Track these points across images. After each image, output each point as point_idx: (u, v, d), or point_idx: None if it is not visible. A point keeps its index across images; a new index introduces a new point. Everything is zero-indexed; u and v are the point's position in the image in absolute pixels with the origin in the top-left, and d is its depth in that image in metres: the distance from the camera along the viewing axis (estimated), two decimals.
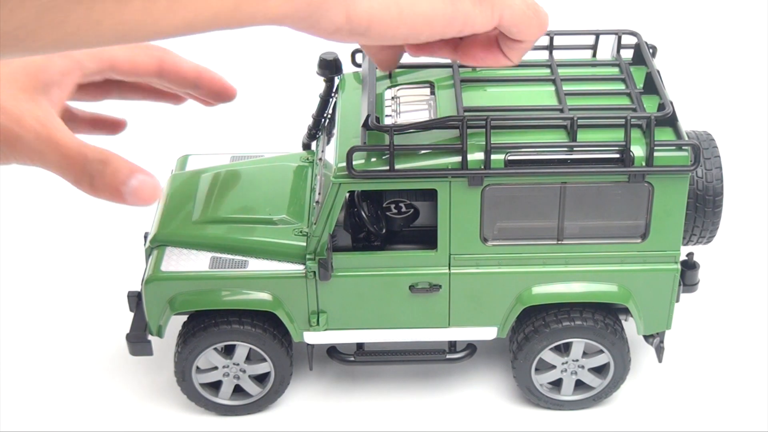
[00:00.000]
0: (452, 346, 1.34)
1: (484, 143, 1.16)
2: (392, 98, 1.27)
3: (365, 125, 1.20)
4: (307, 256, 1.24)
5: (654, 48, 1.34)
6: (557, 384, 1.35)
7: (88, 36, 0.80)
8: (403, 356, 1.34)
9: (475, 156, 1.17)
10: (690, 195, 1.26)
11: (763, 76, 1.99)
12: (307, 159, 1.39)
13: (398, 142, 1.17)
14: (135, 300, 1.35)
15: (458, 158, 1.17)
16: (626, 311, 1.31)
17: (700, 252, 1.42)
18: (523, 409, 1.36)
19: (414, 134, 1.20)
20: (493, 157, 1.16)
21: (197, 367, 1.32)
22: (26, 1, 0.69)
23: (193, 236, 1.27)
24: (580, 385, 1.35)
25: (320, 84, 1.37)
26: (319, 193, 1.27)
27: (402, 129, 1.19)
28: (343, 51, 1.30)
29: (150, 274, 1.27)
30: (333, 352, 1.34)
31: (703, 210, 1.28)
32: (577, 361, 1.32)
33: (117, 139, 1.17)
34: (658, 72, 1.27)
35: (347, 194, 1.21)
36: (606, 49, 1.36)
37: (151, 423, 1.36)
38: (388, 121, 1.24)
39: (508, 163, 1.17)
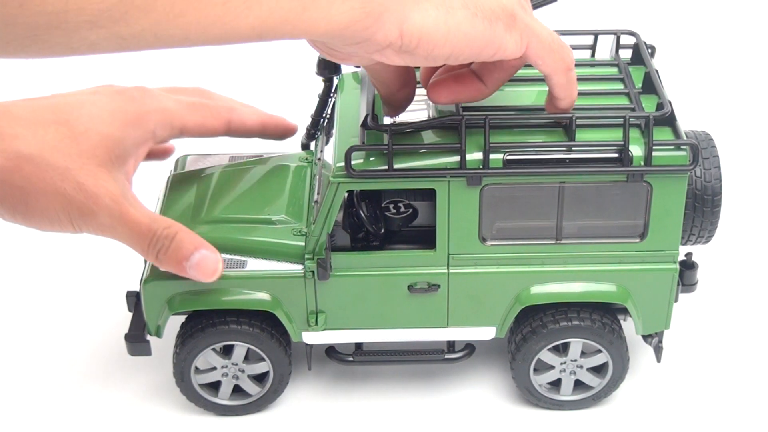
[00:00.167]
0: (451, 346, 1.34)
1: (482, 143, 1.16)
2: None
3: (364, 125, 1.20)
4: (306, 256, 1.24)
5: (653, 48, 1.34)
6: (556, 384, 1.35)
7: (171, 27, 0.82)
8: (401, 356, 1.34)
9: (474, 155, 1.17)
10: (688, 195, 1.26)
11: (761, 76, 1.99)
12: (306, 159, 1.38)
13: (397, 142, 1.17)
14: (134, 300, 1.35)
15: (457, 158, 1.17)
16: (625, 311, 1.31)
17: (698, 252, 1.42)
18: (522, 409, 1.36)
19: (412, 134, 1.20)
20: (491, 156, 1.16)
21: (196, 368, 1.32)
22: None
23: None
24: (579, 385, 1.35)
25: (319, 84, 1.37)
26: (318, 193, 1.27)
27: (401, 128, 1.19)
28: None
29: (148, 274, 1.27)
30: (332, 352, 1.34)
31: (702, 210, 1.28)
32: (575, 361, 1.32)
33: None
34: (657, 72, 1.27)
35: (346, 194, 1.21)
36: (605, 49, 1.36)
37: (150, 423, 1.36)
38: (386, 120, 1.24)
39: (507, 163, 1.17)
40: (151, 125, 1.22)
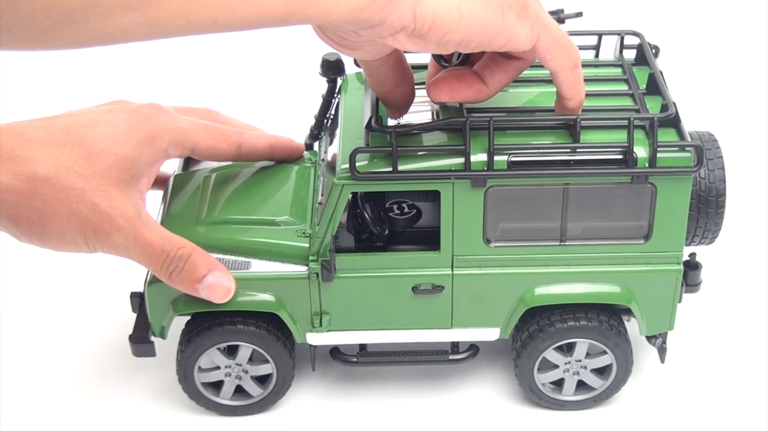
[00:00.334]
0: (455, 347, 1.34)
1: (487, 144, 1.16)
2: None
3: (368, 127, 1.20)
4: (310, 258, 1.24)
5: (657, 48, 1.34)
6: (559, 384, 1.35)
7: (200, 9, 0.83)
8: (405, 357, 1.34)
9: (478, 157, 1.17)
10: (693, 195, 1.26)
11: (765, 76, 1.99)
12: (310, 159, 1.38)
13: (401, 144, 1.17)
14: (138, 301, 1.35)
15: (461, 159, 1.17)
16: (628, 312, 1.31)
17: (702, 252, 1.42)
18: (525, 409, 1.36)
19: (416, 135, 1.20)
20: (496, 158, 1.16)
21: (199, 367, 1.32)
22: None
23: (197, 237, 1.26)
24: (581, 385, 1.35)
25: (323, 84, 1.37)
26: (322, 194, 1.27)
27: (405, 130, 1.19)
28: None
29: (153, 276, 1.27)
30: (336, 353, 1.34)
31: (706, 210, 1.28)
32: (579, 361, 1.32)
33: None
34: (661, 73, 1.26)
35: (350, 195, 1.21)
36: (609, 50, 1.36)
37: (152, 423, 1.36)
38: (390, 121, 1.23)
39: (511, 165, 1.17)
40: (164, 144, 1.23)
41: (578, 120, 1.16)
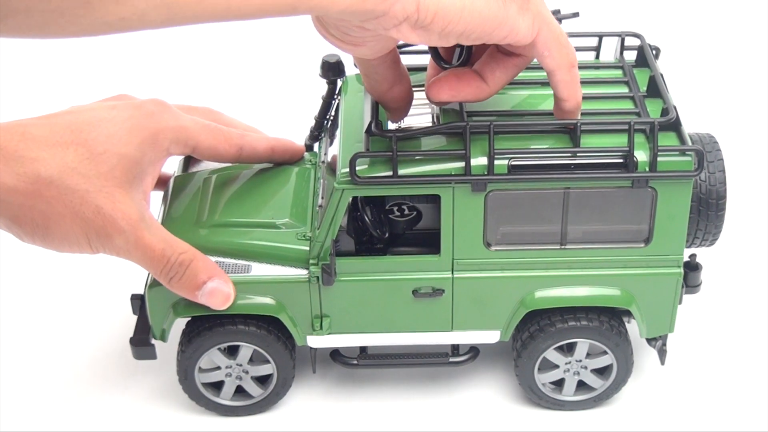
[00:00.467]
0: (455, 349, 1.34)
1: (487, 149, 1.16)
2: None
3: (368, 131, 1.20)
4: (311, 261, 1.24)
5: (657, 49, 1.34)
6: (559, 384, 1.35)
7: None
8: (406, 360, 1.34)
9: (479, 161, 1.17)
10: (693, 198, 1.26)
11: (765, 77, 1.99)
12: (310, 161, 1.38)
13: (401, 148, 1.17)
14: (138, 303, 1.35)
15: (461, 164, 1.17)
16: (629, 314, 1.31)
17: (702, 253, 1.42)
18: (525, 409, 1.36)
19: (417, 140, 1.20)
20: (496, 162, 1.16)
21: (200, 367, 1.32)
22: None
23: (197, 240, 1.27)
24: (581, 385, 1.35)
25: (323, 86, 1.37)
26: (322, 197, 1.27)
27: (405, 135, 1.18)
28: (346, 54, 1.30)
29: (153, 279, 1.27)
30: (336, 355, 1.34)
31: (707, 213, 1.28)
32: (580, 361, 1.32)
33: None
34: (662, 75, 1.26)
35: (350, 199, 1.21)
36: (609, 51, 1.35)
37: (152, 423, 1.36)
38: (391, 125, 1.23)
39: (512, 169, 1.17)
40: (166, 143, 1.23)
41: (579, 124, 1.16)
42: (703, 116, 1.79)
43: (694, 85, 1.92)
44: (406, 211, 1.30)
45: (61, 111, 1.22)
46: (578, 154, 1.17)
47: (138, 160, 1.19)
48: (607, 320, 1.29)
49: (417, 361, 1.34)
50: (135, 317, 1.37)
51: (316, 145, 1.42)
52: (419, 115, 1.25)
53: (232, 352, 1.33)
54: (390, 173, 1.17)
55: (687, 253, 1.30)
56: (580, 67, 1.30)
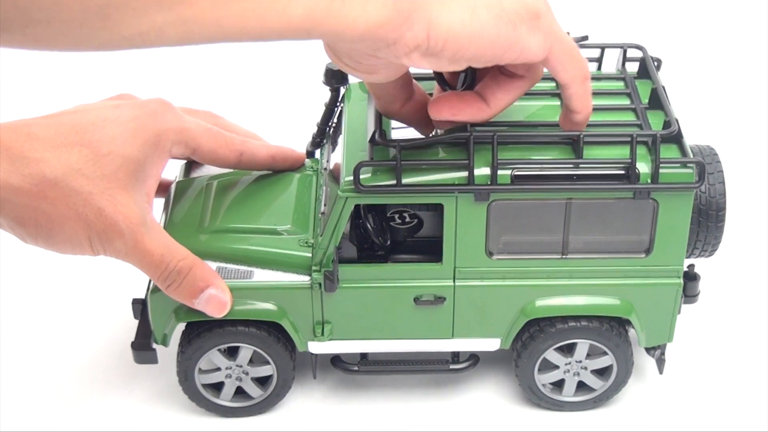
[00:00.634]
0: (455, 356, 1.35)
1: (490, 159, 1.17)
2: None
3: (372, 140, 1.20)
4: (313, 268, 1.25)
5: (659, 61, 1.35)
6: (559, 385, 1.36)
7: (230, 14, 0.86)
8: (406, 366, 1.35)
9: (482, 171, 1.17)
10: (693, 209, 1.26)
11: (766, 90, 2.00)
12: (311, 167, 1.39)
13: (405, 157, 1.17)
14: (140, 308, 1.36)
15: (464, 173, 1.17)
16: (628, 323, 1.32)
17: (700, 263, 1.43)
18: (526, 411, 1.37)
19: (420, 149, 1.20)
20: (499, 172, 1.17)
21: (200, 368, 1.33)
22: None
23: (199, 246, 1.27)
24: (581, 386, 1.36)
25: (325, 93, 1.38)
26: (325, 204, 1.28)
27: (409, 144, 1.19)
28: None
29: (155, 284, 1.27)
30: (337, 361, 1.35)
31: (706, 224, 1.29)
32: (580, 362, 1.33)
33: None
34: (664, 88, 1.27)
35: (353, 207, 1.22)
36: (611, 63, 1.36)
37: (151, 425, 1.36)
38: (394, 134, 1.24)
39: (515, 179, 1.17)
40: (168, 144, 1.23)
41: (581, 135, 1.17)
42: (702, 128, 1.80)
43: (695, 96, 1.93)
44: (407, 219, 1.30)
45: (65, 110, 1.22)
46: (581, 166, 1.18)
47: (141, 162, 1.19)
48: (607, 321, 1.30)
49: (417, 368, 1.35)
50: (136, 321, 1.37)
51: (317, 152, 1.43)
52: None
53: (231, 353, 1.33)
54: (394, 182, 1.18)
55: (685, 263, 1.31)
56: None
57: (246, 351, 1.32)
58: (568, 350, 1.33)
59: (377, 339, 1.31)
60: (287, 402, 1.38)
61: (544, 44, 1.05)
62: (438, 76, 1.17)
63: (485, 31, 1.00)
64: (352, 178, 1.18)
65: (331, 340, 1.30)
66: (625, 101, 1.27)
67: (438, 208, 1.24)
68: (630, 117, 1.24)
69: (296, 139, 1.47)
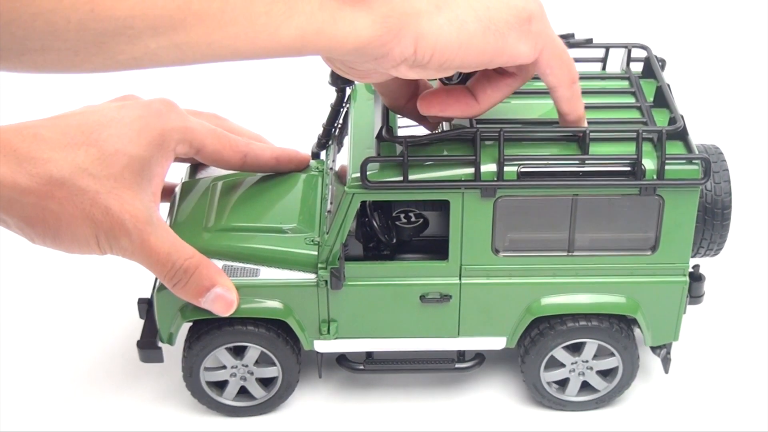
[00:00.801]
0: (461, 355, 1.35)
1: (497, 155, 1.17)
2: None
3: (379, 136, 1.21)
4: (319, 266, 1.25)
5: (663, 61, 1.35)
6: (563, 384, 1.36)
7: (223, 37, 0.87)
8: (412, 365, 1.35)
9: (488, 168, 1.18)
10: (699, 208, 1.27)
11: None
12: (317, 168, 1.39)
13: (412, 153, 1.18)
14: (145, 307, 1.36)
15: (471, 170, 1.18)
16: (634, 322, 1.32)
17: (705, 264, 1.43)
18: (531, 410, 1.37)
19: (427, 146, 1.21)
20: (506, 168, 1.17)
21: (205, 366, 1.33)
22: None
23: (205, 244, 1.27)
24: (585, 386, 1.36)
25: (331, 93, 1.38)
26: (331, 203, 1.28)
27: (416, 140, 1.19)
28: None
29: (161, 282, 1.27)
30: (342, 360, 1.35)
31: (712, 223, 1.29)
32: (586, 362, 1.33)
33: None
34: (669, 86, 1.28)
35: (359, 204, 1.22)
36: (616, 63, 1.37)
37: (154, 424, 1.36)
38: (401, 131, 1.24)
39: (521, 175, 1.18)
40: (172, 143, 1.24)
41: (587, 132, 1.17)
42: (707, 128, 1.81)
43: (699, 96, 1.94)
44: (413, 219, 1.31)
45: (70, 112, 1.23)
46: (587, 162, 1.18)
47: (147, 161, 1.20)
48: (616, 322, 1.30)
49: (423, 367, 1.35)
50: (141, 321, 1.37)
51: (323, 154, 1.43)
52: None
53: (238, 352, 1.33)
54: (400, 178, 1.18)
55: (691, 263, 1.31)
56: (588, 78, 1.33)
57: (254, 351, 1.32)
58: (576, 349, 1.33)
59: (383, 337, 1.31)
60: (293, 401, 1.38)
61: (534, 48, 1.06)
62: None
63: (472, 42, 1.02)
64: (359, 174, 1.18)
65: (337, 338, 1.30)
66: (630, 99, 1.28)
67: (443, 208, 1.24)
68: (635, 114, 1.25)
69: (302, 141, 1.48)
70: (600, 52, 1.36)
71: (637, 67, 1.35)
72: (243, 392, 1.36)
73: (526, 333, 1.31)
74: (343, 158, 1.28)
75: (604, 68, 1.37)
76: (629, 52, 1.34)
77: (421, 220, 1.31)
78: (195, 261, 1.21)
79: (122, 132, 1.19)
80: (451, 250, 1.24)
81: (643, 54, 1.34)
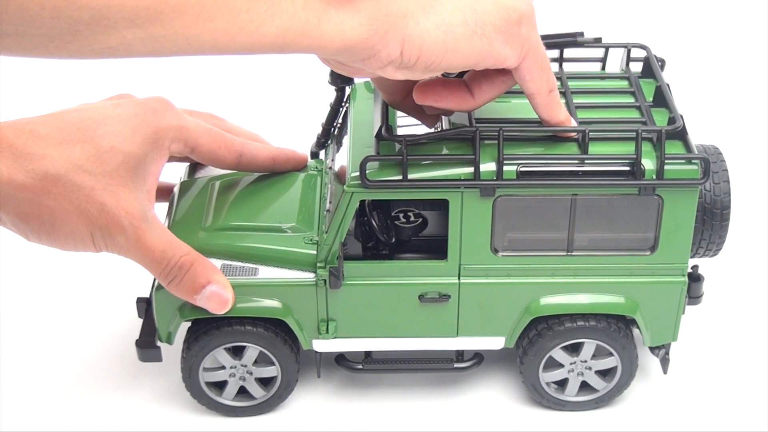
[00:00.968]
0: (459, 355, 1.35)
1: (496, 154, 1.17)
2: None
3: (378, 135, 1.21)
4: (318, 265, 1.25)
5: (662, 61, 1.35)
6: (562, 384, 1.36)
7: (201, 32, 0.87)
8: (410, 365, 1.35)
9: (488, 167, 1.18)
10: (698, 208, 1.27)
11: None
12: (316, 167, 1.39)
13: (411, 152, 1.18)
14: (144, 306, 1.35)
15: (470, 169, 1.18)
16: (633, 322, 1.32)
17: (703, 264, 1.44)
18: (530, 410, 1.37)
19: (426, 145, 1.21)
20: (505, 168, 1.17)
21: (204, 366, 1.32)
22: None
23: (204, 243, 1.27)
24: (584, 386, 1.36)
25: (331, 93, 1.38)
26: (330, 202, 1.28)
27: (415, 139, 1.19)
28: None
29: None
30: (341, 359, 1.35)
31: (711, 223, 1.29)
32: (585, 362, 1.33)
33: None
34: (668, 86, 1.28)
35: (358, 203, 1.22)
36: (615, 62, 1.37)
37: (155, 424, 1.36)
38: (400, 130, 1.24)
39: (521, 175, 1.18)
40: (167, 141, 1.24)
41: (587, 132, 1.17)
42: (706, 128, 1.81)
43: (698, 97, 1.94)
44: (412, 218, 1.31)
45: (66, 109, 1.23)
46: (586, 161, 1.18)
47: (141, 159, 1.20)
48: (615, 322, 1.30)
49: (421, 367, 1.35)
50: (140, 320, 1.37)
51: (322, 153, 1.43)
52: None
53: (237, 352, 1.33)
54: (400, 177, 1.18)
55: (690, 263, 1.31)
56: (587, 77, 1.33)
57: (252, 351, 1.32)
58: (574, 350, 1.33)
59: (382, 337, 1.31)
60: (292, 401, 1.38)
61: (520, 53, 1.07)
62: None
63: (458, 46, 1.02)
64: (358, 173, 1.18)
65: (335, 338, 1.30)
66: (630, 99, 1.28)
67: (443, 207, 1.24)
68: (634, 114, 1.25)
69: (301, 140, 1.48)
70: (600, 52, 1.36)
71: (636, 67, 1.35)
72: (242, 392, 1.36)
73: (524, 333, 1.31)
74: (343, 157, 1.28)
75: (603, 68, 1.37)
76: (629, 52, 1.34)
77: (420, 219, 1.31)
78: (190, 258, 1.21)
79: (118, 129, 1.19)
80: (450, 250, 1.24)
81: (642, 54, 1.34)
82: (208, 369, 1.33)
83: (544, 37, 1.23)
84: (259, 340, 1.30)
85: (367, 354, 1.35)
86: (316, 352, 1.33)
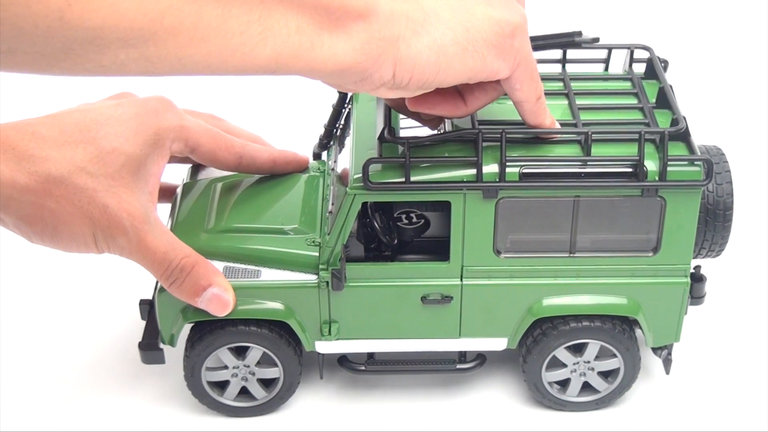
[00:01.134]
0: (462, 356, 1.35)
1: (499, 156, 1.17)
2: None
3: (381, 137, 1.20)
4: (320, 266, 1.25)
5: (665, 62, 1.35)
6: (564, 385, 1.36)
7: (195, 54, 0.87)
8: (413, 366, 1.35)
9: (490, 169, 1.18)
10: (700, 209, 1.27)
11: None
12: (318, 169, 1.39)
13: (413, 154, 1.18)
14: (146, 308, 1.36)
15: (473, 171, 1.18)
16: (635, 323, 1.32)
17: (706, 265, 1.43)
18: (532, 411, 1.37)
19: (429, 147, 1.21)
20: (508, 170, 1.17)
21: (206, 366, 1.33)
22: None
23: (206, 245, 1.27)
24: (586, 387, 1.36)
25: (333, 94, 1.38)
26: (332, 204, 1.28)
27: (417, 141, 1.19)
28: None
29: None
30: (343, 361, 1.35)
31: (714, 224, 1.29)
32: (588, 362, 1.33)
33: None
34: (671, 87, 1.27)
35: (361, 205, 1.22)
36: (618, 64, 1.37)
37: (157, 425, 1.36)
38: (403, 132, 1.24)
39: (523, 176, 1.18)
40: (168, 141, 1.24)
41: (589, 133, 1.17)
42: (709, 129, 1.81)
43: (701, 98, 1.94)
44: (414, 219, 1.31)
45: (67, 110, 1.23)
46: (589, 163, 1.18)
47: (143, 160, 1.20)
48: (618, 323, 1.30)
49: (424, 368, 1.35)
50: (142, 322, 1.37)
51: (324, 154, 1.43)
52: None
53: (240, 352, 1.33)
54: (402, 179, 1.18)
55: (693, 264, 1.31)
56: (590, 79, 1.33)
57: (256, 352, 1.32)
58: (578, 350, 1.33)
59: (384, 338, 1.31)
60: (294, 402, 1.38)
61: (512, 66, 1.08)
62: None
63: (451, 65, 1.03)
64: (360, 175, 1.18)
65: (338, 339, 1.30)
66: (633, 100, 1.28)
67: (445, 209, 1.24)
68: (637, 116, 1.25)
69: (303, 141, 1.48)
70: (602, 53, 1.36)
71: (639, 68, 1.34)
72: (244, 393, 1.36)
73: (527, 333, 1.31)
74: (345, 159, 1.28)
75: (606, 69, 1.37)
76: (632, 53, 1.34)
77: (423, 221, 1.30)
78: (191, 260, 1.21)
79: (119, 130, 1.19)
80: (453, 251, 1.24)
81: (645, 55, 1.34)
82: (211, 369, 1.33)
83: (541, 38, 1.24)
84: (263, 341, 1.30)
85: (370, 355, 1.35)
86: (319, 353, 1.33)
